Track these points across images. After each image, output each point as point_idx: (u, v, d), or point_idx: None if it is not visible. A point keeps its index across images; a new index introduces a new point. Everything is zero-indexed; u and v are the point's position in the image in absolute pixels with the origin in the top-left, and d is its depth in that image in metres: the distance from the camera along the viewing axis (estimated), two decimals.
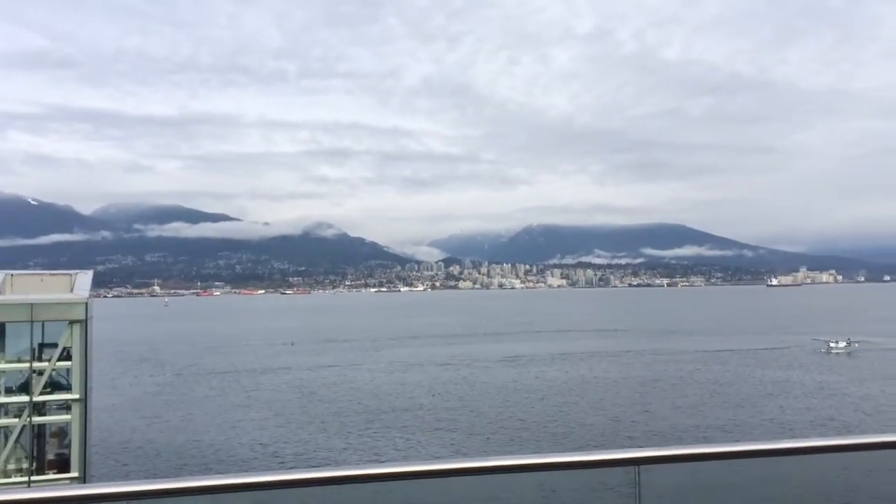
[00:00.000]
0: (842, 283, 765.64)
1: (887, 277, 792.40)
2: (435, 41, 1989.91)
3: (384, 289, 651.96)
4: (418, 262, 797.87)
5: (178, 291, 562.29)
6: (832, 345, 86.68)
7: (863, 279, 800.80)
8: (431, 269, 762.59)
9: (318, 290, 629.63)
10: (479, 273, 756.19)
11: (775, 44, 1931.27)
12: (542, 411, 51.97)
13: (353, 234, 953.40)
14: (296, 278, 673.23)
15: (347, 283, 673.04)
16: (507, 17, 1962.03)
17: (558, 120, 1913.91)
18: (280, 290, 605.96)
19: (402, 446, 42.52)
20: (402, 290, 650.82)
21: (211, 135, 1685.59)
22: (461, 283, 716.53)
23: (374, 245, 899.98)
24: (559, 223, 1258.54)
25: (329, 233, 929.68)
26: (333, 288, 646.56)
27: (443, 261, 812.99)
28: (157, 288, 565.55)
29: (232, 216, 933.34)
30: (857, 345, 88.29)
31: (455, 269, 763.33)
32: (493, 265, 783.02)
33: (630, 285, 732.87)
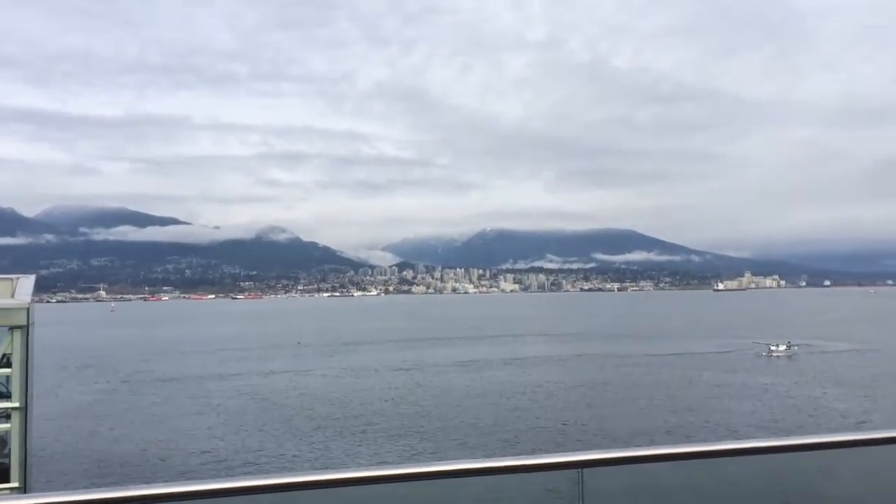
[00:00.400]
0: (784, 287, 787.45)
1: (827, 282, 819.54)
2: (389, 46, 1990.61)
3: (337, 293, 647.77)
4: (372, 267, 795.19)
5: (124, 296, 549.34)
6: (773, 348, 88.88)
7: (804, 284, 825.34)
8: (385, 274, 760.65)
9: (271, 295, 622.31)
10: (433, 278, 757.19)
11: (719, 54, 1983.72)
12: (494, 416, 52.26)
13: (305, 238, 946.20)
14: (247, 283, 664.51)
15: (300, 287, 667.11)
16: (461, 24, 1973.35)
17: (511, 126, 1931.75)
18: (231, 295, 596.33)
19: (353, 452, 42.33)
20: (355, 294, 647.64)
21: (159, 137, 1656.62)
22: (415, 288, 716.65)
23: (327, 249, 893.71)
24: (512, 228, 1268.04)
25: (281, 237, 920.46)
26: (286, 293, 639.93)
27: (396, 265, 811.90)
28: (102, 293, 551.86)
29: (181, 220, 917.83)
30: (796, 348, 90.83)
31: (409, 274, 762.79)
32: (447, 270, 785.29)
33: (582, 290, 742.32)
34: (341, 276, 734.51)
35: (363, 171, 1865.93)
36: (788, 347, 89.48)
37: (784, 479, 5.21)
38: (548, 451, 4.69)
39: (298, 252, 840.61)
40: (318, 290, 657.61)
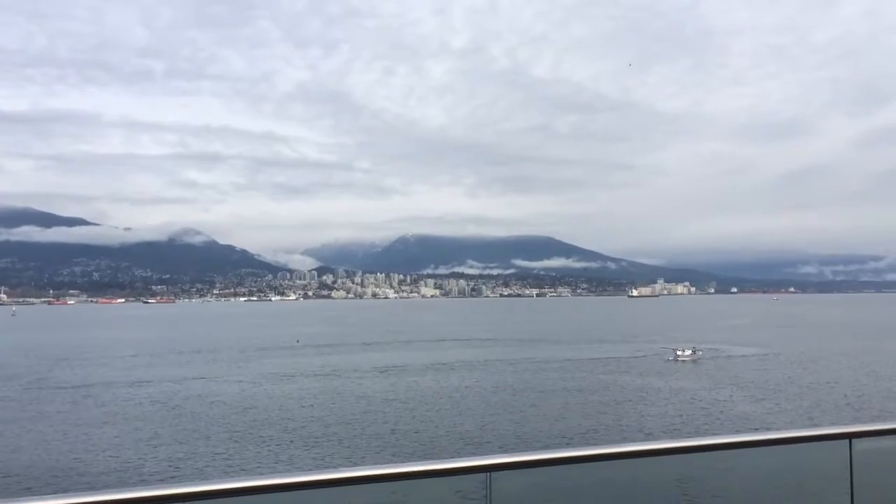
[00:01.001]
0: (695, 294, 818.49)
1: (734, 289, 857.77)
2: (310, 47, 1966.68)
3: (255, 298, 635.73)
4: (290, 271, 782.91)
5: (27, 300, 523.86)
6: (679, 353, 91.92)
7: (713, 291, 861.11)
8: (304, 278, 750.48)
9: (184, 299, 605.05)
10: (353, 282, 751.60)
11: (635, 67, 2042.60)
12: (412, 421, 52.31)
13: (222, 241, 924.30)
14: (159, 287, 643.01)
15: (216, 291, 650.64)
16: (383, 28, 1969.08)
17: (433, 131, 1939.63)
18: (142, 299, 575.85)
19: (268, 460, 41.57)
20: (273, 299, 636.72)
21: (67, 134, 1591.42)
22: (334, 293, 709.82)
23: (244, 253, 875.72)
24: (433, 233, 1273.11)
25: (197, 239, 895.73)
26: (200, 297, 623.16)
27: (316, 270, 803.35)
28: (3, 296, 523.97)
29: (89, 220, 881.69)
30: (701, 353, 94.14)
31: (328, 279, 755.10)
32: (367, 275, 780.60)
33: (501, 295, 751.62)
34: (259, 280, 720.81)
35: (283, 173, 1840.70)
36: (694, 352, 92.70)
37: (688, 478, 5.42)
38: (457, 456, 4.82)
39: (214, 255, 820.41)
40: (235, 295, 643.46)
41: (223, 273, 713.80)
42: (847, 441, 5.39)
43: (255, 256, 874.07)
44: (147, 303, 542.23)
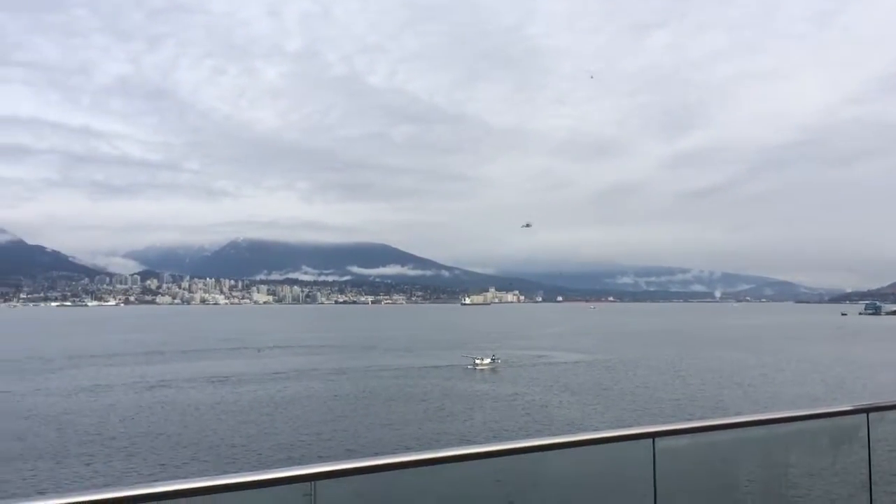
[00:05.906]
0: (524, 302, 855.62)
1: (560, 298, 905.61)
2: (132, 40, 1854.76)
3: (69, 303, 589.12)
4: (110, 275, 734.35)
5: None
6: (478, 361, 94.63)
7: (540, 299, 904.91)
8: (125, 283, 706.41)
9: None
10: (180, 287, 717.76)
11: (467, 82, 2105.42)
12: (239, 432, 51.01)
13: (31, 241, 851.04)
14: None
15: (23, 296, 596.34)
16: (212, 25, 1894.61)
17: (266, 134, 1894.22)
18: None
19: (84, 475, 39.03)
20: (89, 304, 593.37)
21: None
22: (159, 298, 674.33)
23: (56, 254, 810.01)
24: (266, 239, 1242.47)
25: (1, 238, 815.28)
26: (5, 301, 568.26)
27: (139, 274, 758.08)
28: None
29: None
30: (500, 361, 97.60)
31: (153, 283, 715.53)
32: (196, 280, 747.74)
33: (336, 302, 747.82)
34: (74, 283, 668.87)
35: (102, 171, 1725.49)
36: (493, 361, 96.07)
37: (507, 479, 5.70)
38: (278, 466, 4.71)
39: (21, 256, 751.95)
40: (46, 300, 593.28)
41: (32, 276, 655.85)
42: (651, 440, 5.89)
43: (70, 258, 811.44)
44: None
